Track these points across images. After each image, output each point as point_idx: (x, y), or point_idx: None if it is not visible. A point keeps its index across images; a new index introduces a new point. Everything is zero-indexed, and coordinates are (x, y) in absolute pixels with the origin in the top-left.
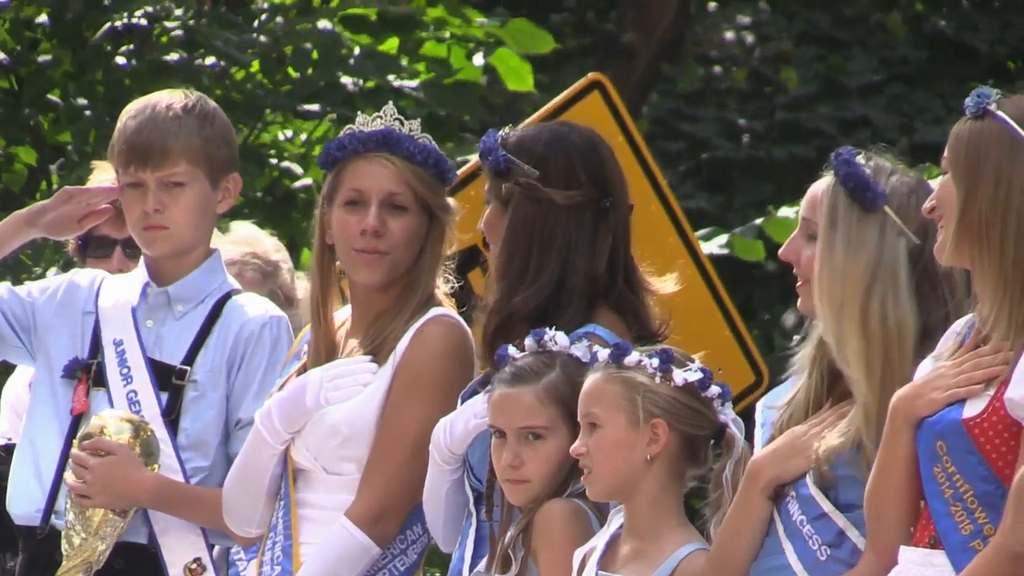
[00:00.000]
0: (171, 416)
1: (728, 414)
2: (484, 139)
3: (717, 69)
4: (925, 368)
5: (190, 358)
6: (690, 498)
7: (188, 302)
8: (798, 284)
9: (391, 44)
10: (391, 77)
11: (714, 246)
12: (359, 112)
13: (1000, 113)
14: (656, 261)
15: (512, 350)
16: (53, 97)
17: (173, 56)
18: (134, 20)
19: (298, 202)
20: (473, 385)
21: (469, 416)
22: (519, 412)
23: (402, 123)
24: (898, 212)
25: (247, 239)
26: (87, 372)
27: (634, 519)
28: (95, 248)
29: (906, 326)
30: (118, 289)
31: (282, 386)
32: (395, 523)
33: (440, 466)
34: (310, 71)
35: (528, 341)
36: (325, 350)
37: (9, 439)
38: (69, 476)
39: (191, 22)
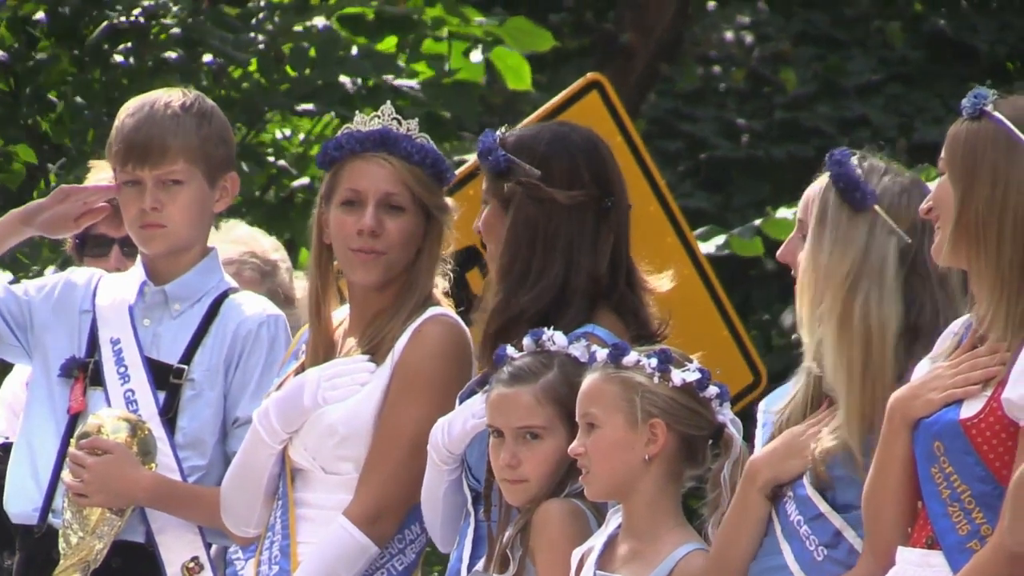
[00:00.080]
0: (168, 415)
1: (726, 414)
2: (482, 139)
3: (716, 69)
4: (922, 369)
5: (187, 357)
6: (688, 498)
7: (185, 301)
8: (797, 282)
9: (389, 43)
10: (389, 76)
11: (712, 246)
12: (357, 112)
13: (997, 114)
14: (654, 261)
15: (510, 350)
16: (51, 96)
17: (171, 54)
18: (132, 17)
19: (296, 202)
20: (471, 385)
21: (467, 416)
22: (517, 412)
23: (400, 123)
24: (889, 211)
25: (245, 238)
26: (84, 371)
27: (632, 519)
28: (92, 247)
29: (888, 325)
30: (115, 288)
31: (280, 386)
32: (393, 523)
33: (438, 466)
34: (308, 71)
35: (526, 341)
36: (323, 349)
37: (6, 438)
38: (66, 475)
39: (189, 20)
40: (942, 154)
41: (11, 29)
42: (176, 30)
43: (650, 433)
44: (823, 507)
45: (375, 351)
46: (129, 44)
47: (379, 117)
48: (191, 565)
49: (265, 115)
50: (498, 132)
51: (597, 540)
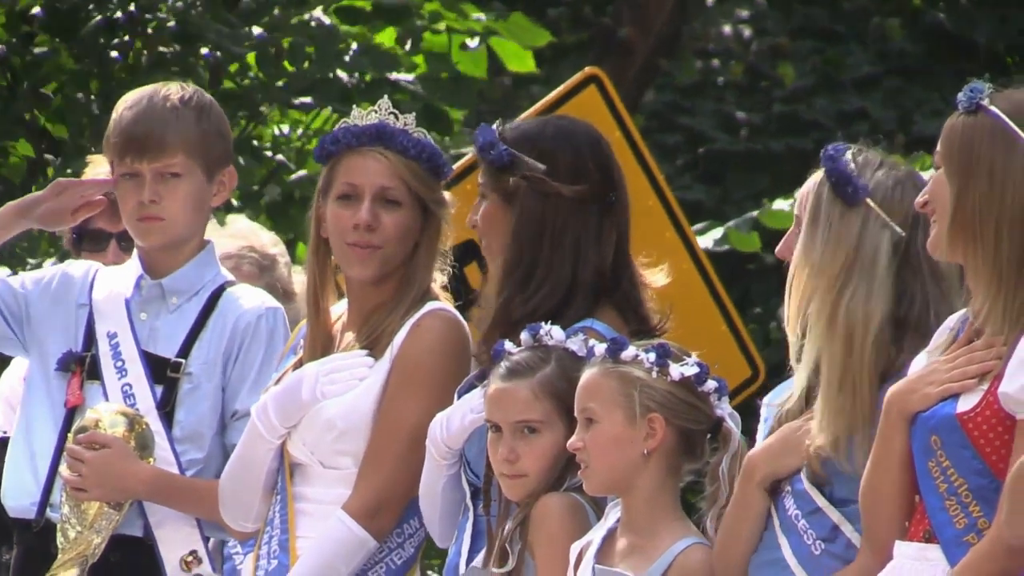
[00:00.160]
0: (166, 409)
1: (724, 408)
2: (480, 133)
3: (715, 63)
4: (919, 363)
5: (184, 350)
6: (687, 493)
7: (182, 294)
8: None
9: (387, 35)
10: (388, 73)
11: (710, 240)
12: (354, 106)
13: (993, 108)
14: (653, 256)
15: (508, 345)
16: (46, 91)
17: (168, 49)
18: (129, 10)
19: (296, 197)
20: (470, 379)
21: (466, 411)
22: (514, 406)
23: (397, 117)
24: (882, 205)
25: (244, 232)
26: (81, 365)
27: (631, 513)
28: (90, 242)
29: (872, 320)
30: (112, 281)
31: (278, 380)
32: (392, 517)
33: (437, 461)
34: (306, 65)
35: (524, 336)
36: (321, 344)
37: (4, 432)
38: (64, 470)
39: (191, 10)
40: (938, 147)
41: (9, 23)
42: (172, 23)
43: (649, 428)
44: (820, 501)
45: (373, 345)
46: (126, 37)
47: (376, 111)
48: (189, 559)
49: (262, 109)
50: (494, 126)
51: (596, 534)
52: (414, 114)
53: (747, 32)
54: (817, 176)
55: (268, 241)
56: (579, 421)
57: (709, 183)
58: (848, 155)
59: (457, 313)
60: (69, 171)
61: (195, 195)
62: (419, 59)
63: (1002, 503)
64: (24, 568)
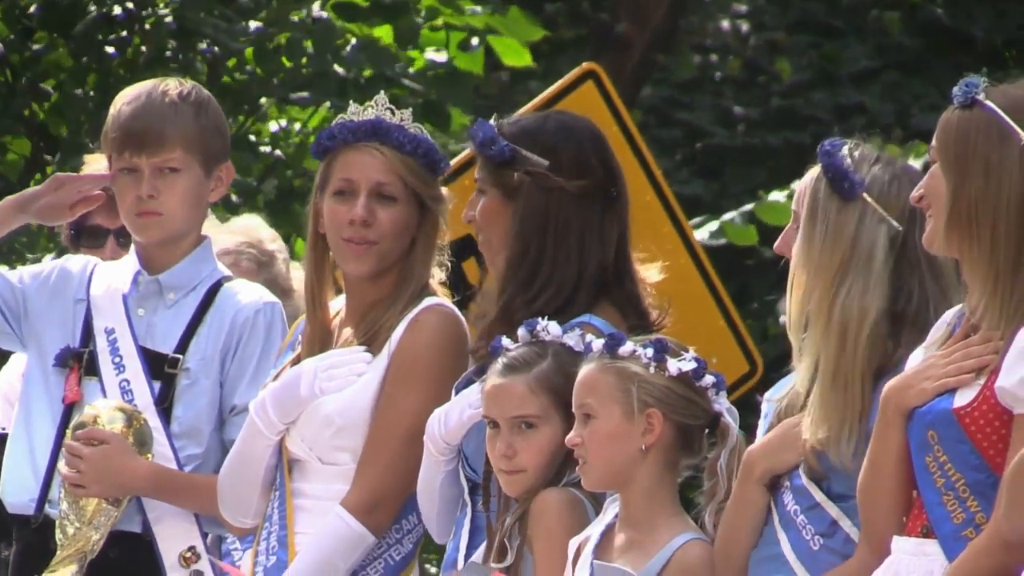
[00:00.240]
0: (164, 404)
1: (722, 403)
2: (479, 128)
3: (713, 58)
4: (916, 358)
5: (182, 346)
6: (685, 488)
7: (179, 290)
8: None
9: (385, 32)
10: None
11: (705, 232)
12: (351, 102)
13: (989, 103)
14: (651, 251)
15: (506, 341)
16: (47, 87)
17: (166, 45)
18: (127, 6)
19: (294, 190)
20: (468, 375)
21: (464, 407)
22: (511, 402)
23: (393, 113)
24: (879, 200)
25: (243, 229)
26: (79, 361)
27: (629, 509)
28: (88, 238)
29: (867, 316)
30: (109, 277)
31: (277, 376)
32: (390, 513)
33: (435, 457)
34: (304, 60)
35: (521, 331)
36: (320, 340)
37: (3, 428)
38: (63, 466)
39: (188, 6)
40: (933, 142)
41: (7, 20)
42: (169, 19)
43: (646, 423)
44: (819, 497)
45: (372, 341)
46: (124, 34)
47: (373, 107)
48: (188, 555)
49: (260, 104)
50: (492, 121)
51: (594, 529)
52: (410, 110)
53: (745, 27)
54: (814, 172)
55: (267, 237)
56: (577, 417)
57: (707, 178)
58: (845, 150)
59: (455, 308)
60: (68, 167)
61: (193, 190)
62: (416, 54)
63: (1000, 498)
64: (23, 564)
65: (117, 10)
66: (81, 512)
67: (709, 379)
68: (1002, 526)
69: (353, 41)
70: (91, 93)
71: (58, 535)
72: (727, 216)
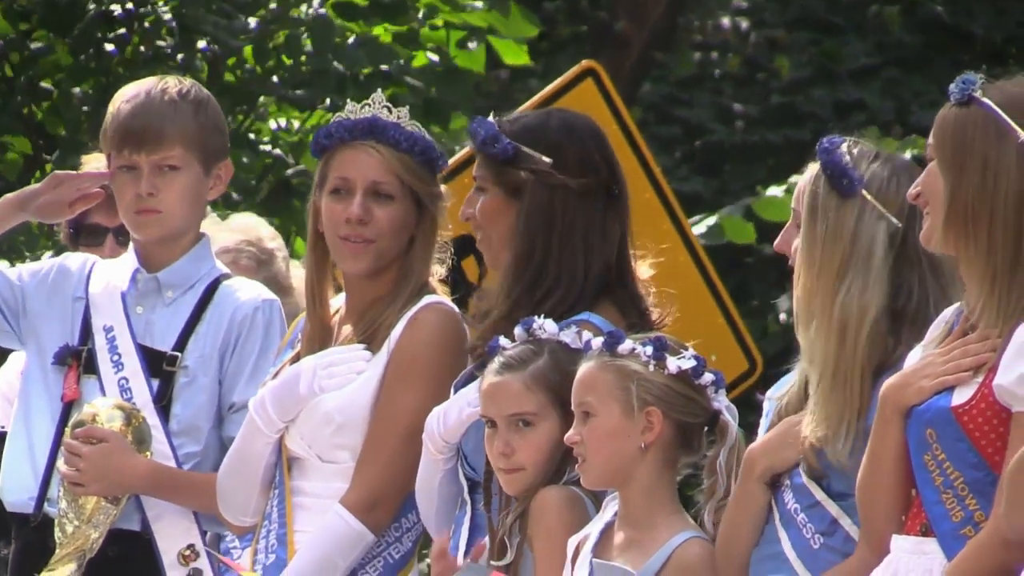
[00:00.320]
0: (162, 402)
1: (721, 401)
2: (480, 126)
3: (714, 55)
4: (914, 357)
5: (181, 344)
6: (684, 486)
7: (178, 288)
8: (794, 275)
9: (385, 33)
10: (384, 67)
11: (703, 227)
12: (348, 100)
13: (986, 100)
14: (651, 249)
15: (503, 340)
16: (46, 85)
17: (166, 42)
18: (127, 6)
19: (292, 187)
20: (467, 372)
21: (463, 405)
22: (507, 399)
23: (390, 110)
24: (878, 196)
25: (243, 227)
26: (78, 359)
27: (628, 507)
28: (87, 236)
29: (867, 313)
30: (108, 275)
31: (276, 374)
32: (389, 511)
33: (434, 455)
34: (303, 58)
35: (517, 331)
36: (320, 338)
37: (2, 427)
38: (62, 464)
39: (183, 11)
40: (930, 139)
41: (7, 18)
42: (168, 16)
43: (646, 421)
44: (819, 495)
45: (371, 339)
46: (123, 30)
47: (370, 105)
48: (187, 552)
49: (259, 102)
50: (492, 119)
51: (593, 528)
52: (408, 108)
53: (744, 24)
54: (813, 169)
55: (266, 235)
56: (576, 415)
57: (707, 175)
58: (844, 147)
59: (454, 306)
60: (68, 165)
61: (192, 188)
62: (417, 53)
63: (1000, 496)
64: (22, 563)
65: (116, 9)
66: (80, 510)
67: (708, 377)
68: (1001, 525)
69: (352, 38)
70: (90, 92)
71: (57, 533)
72: (724, 211)
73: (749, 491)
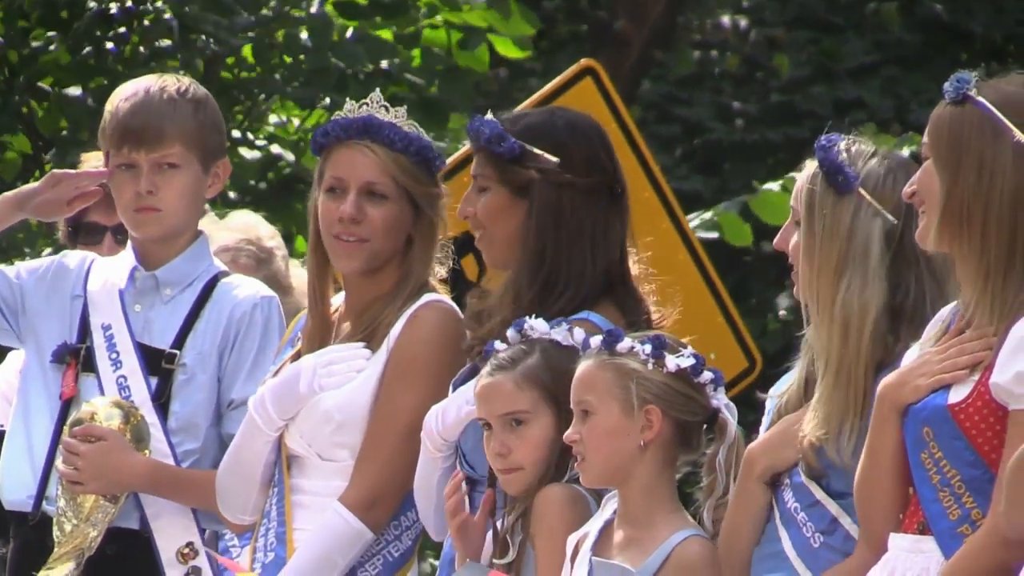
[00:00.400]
0: (161, 400)
1: (721, 399)
2: (484, 125)
3: (713, 54)
4: (911, 355)
5: (179, 342)
6: (683, 484)
7: (176, 286)
8: (793, 272)
9: (385, 33)
10: (383, 64)
11: (697, 220)
12: (347, 99)
13: (980, 99)
14: (650, 248)
15: (498, 344)
16: (44, 85)
17: (165, 42)
18: (126, 5)
19: (295, 189)
20: (467, 370)
21: (461, 403)
22: (499, 399)
23: (387, 110)
24: (874, 194)
25: (242, 226)
26: (76, 357)
27: (628, 505)
28: (85, 235)
29: (868, 312)
30: (106, 273)
31: (276, 373)
32: (388, 509)
33: (432, 454)
34: (302, 56)
35: (510, 333)
36: (320, 335)
37: (0, 425)
38: (60, 463)
39: (185, 10)
40: (925, 138)
41: (6, 17)
42: (168, 15)
43: (645, 419)
44: (819, 494)
45: (371, 338)
46: (123, 29)
47: (368, 104)
48: (186, 550)
49: (259, 101)
50: (492, 118)
51: (592, 526)
52: (405, 107)
53: (744, 23)
54: (811, 167)
55: (266, 234)
56: (575, 413)
57: (706, 173)
58: (841, 145)
59: (454, 305)
60: (67, 164)
61: (191, 186)
62: (416, 52)
63: (999, 495)
64: (21, 562)
65: (115, 7)
66: (79, 509)
67: (707, 375)
68: (1001, 523)
69: (350, 31)
70: (89, 90)
71: (56, 532)
72: (720, 206)
73: (749, 490)
